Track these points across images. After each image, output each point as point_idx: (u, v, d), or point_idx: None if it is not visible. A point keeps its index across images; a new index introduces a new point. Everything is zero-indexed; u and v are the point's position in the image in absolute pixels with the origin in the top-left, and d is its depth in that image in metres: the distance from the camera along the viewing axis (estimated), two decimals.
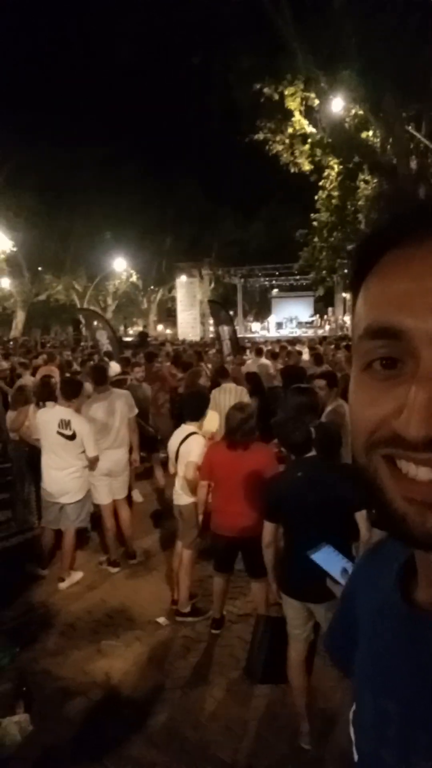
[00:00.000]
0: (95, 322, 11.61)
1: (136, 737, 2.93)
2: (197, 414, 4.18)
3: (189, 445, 3.98)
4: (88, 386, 5.49)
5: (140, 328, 33.60)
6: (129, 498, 5.21)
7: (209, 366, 10.11)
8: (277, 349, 12.23)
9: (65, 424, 4.45)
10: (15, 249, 25.85)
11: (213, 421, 4.71)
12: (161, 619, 4.03)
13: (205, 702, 3.21)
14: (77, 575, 4.66)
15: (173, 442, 4.15)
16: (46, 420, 4.56)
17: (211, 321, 23.55)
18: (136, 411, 5.43)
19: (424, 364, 0.42)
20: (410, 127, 13.39)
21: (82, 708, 3.19)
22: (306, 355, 10.62)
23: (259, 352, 10.58)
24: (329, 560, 1.63)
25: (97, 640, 3.81)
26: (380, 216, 0.50)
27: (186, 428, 4.12)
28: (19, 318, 30.11)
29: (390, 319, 0.44)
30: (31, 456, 5.18)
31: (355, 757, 0.59)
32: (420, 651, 0.51)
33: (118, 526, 4.94)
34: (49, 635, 3.89)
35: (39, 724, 2.99)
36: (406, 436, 0.41)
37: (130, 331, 37.34)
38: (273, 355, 10.77)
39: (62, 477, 4.49)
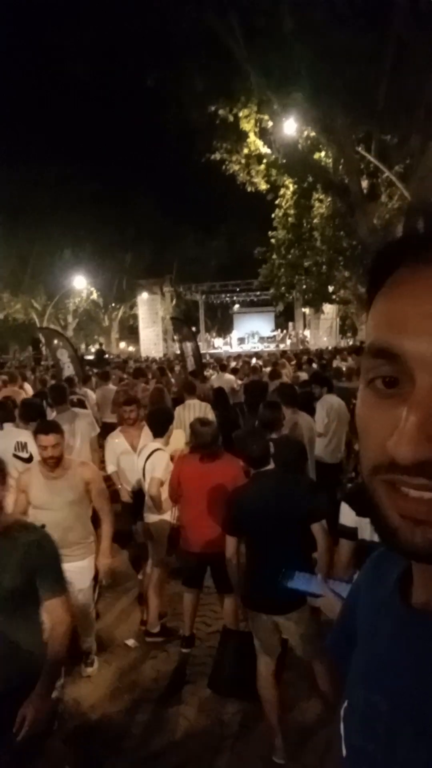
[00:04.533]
0: (55, 341, 11.43)
1: (111, 761, 2.88)
2: (161, 430, 4.19)
3: (153, 462, 3.98)
4: None
5: (102, 346, 33.31)
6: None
7: (173, 381, 10.15)
8: (239, 365, 12.43)
9: (22, 446, 4.35)
10: None
11: (180, 439, 4.75)
12: (130, 642, 3.97)
13: (179, 721, 3.17)
14: None
15: (140, 460, 4.14)
16: (2, 442, 4.45)
17: (174, 337, 23.61)
18: (98, 430, 5.39)
19: (418, 388, 0.42)
20: (360, 148, 13.90)
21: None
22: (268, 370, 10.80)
23: (223, 368, 10.69)
24: (302, 582, 1.67)
25: (64, 668, 3.72)
26: (400, 232, 0.52)
27: (151, 445, 4.12)
28: None
29: (389, 341, 0.45)
30: None
31: (344, 752, 0.61)
32: (412, 648, 0.54)
33: None
34: None
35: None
36: (397, 458, 0.42)
37: (92, 349, 36.96)
38: (234, 371, 10.90)
39: None
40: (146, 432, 4.51)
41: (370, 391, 0.47)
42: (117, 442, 4.62)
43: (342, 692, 0.66)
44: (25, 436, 4.41)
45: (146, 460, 4.02)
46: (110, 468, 4.58)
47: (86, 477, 3.38)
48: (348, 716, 0.62)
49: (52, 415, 5.77)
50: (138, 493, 4.32)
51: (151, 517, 4.06)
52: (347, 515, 2.51)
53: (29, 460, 4.36)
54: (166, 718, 3.21)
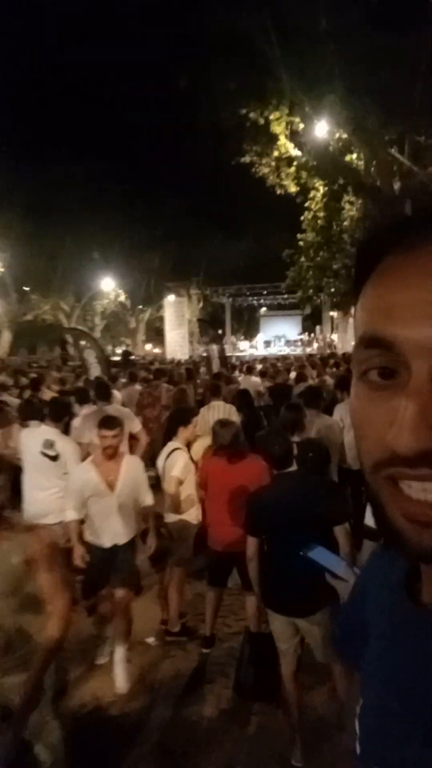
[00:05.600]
0: (83, 342, 11.57)
1: (128, 757, 2.90)
2: (177, 430, 4.20)
3: (171, 461, 4.00)
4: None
5: (129, 348, 33.64)
6: None
7: (198, 383, 10.17)
8: (266, 367, 12.41)
9: (49, 444, 4.39)
10: (2, 269, 25.93)
11: (204, 444, 4.71)
12: (150, 640, 3.99)
13: (197, 720, 3.18)
14: None
15: (160, 460, 4.16)
16: (30, 439, 4.52)
17: (200, 340, 23.69)
18: (138, 426, 5.46)
19: (415, 376, 0.41)
20: (393, 150, 13.72)
21: (72, 730, 3.13)
22: (294, 374, 10.74)
23: (249, 371, 10.68)
24: (324, 557, 1.66)
25: (86, 662, 3.75)
26: (380, 220, 0.50)
27: (170, 445, 4.14)
28: (6, 338, 29.96)
29: (382, 330, 0.43)
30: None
31: (357, 750, 0.60)
32: (422, 648, 0.53)
33: None
34: None
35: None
36: (398, 450, 0.41)
37: (118, 351, 37.38)
38: (262, 374, 10.88)
39: (44, 498, 4.37)
40: (129, 463, 3.72)
41: (363, 384, 0.46)
42: (87, 478, 3.61)
43: (357, 691, 0.65)
44: (53, 434, 4.47)
45: (165, 460, 4.05)
46: (70, 514, 3.66)
47: (29, 550, 1.97)
48: (363, 715, 0.61)
49: (81, 412, 5.86)
50: (109, 555, 3.61)
51: (170, 517, 4.07)
52: (372, 517, 2.47)
53: (56, 458, 4.41)
54: (184, 716, 3.21)
